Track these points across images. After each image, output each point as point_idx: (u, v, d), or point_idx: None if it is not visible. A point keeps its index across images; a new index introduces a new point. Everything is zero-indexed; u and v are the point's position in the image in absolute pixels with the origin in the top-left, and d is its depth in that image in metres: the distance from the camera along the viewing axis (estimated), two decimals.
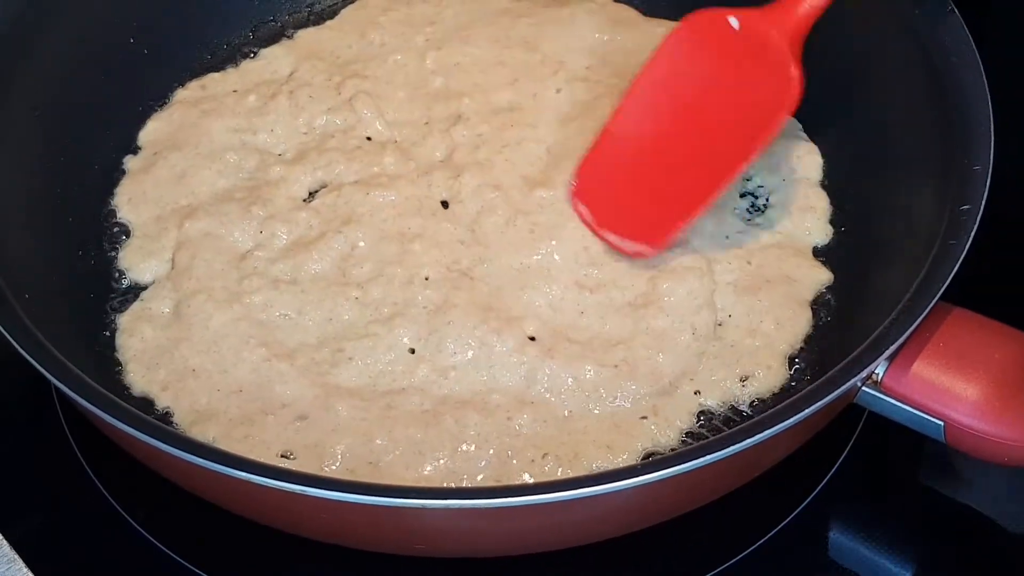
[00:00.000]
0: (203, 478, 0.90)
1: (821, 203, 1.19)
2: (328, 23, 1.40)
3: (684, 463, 0.85)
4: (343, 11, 1.41)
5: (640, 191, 1.14)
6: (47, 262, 1.10)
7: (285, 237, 1.17)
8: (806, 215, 1.18)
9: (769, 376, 1.07)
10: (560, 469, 1.01)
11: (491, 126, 1.24)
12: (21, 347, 0.93)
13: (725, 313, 1.11)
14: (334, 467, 1.01)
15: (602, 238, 1.14)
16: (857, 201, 1.17)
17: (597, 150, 1.16)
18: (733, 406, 1.06)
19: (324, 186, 1.21)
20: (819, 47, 1.19)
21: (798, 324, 1.10)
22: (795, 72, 1.05)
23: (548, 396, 1.05)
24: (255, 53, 1.37)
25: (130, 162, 1.26)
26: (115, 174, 1.25)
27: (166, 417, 1.06)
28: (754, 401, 1.07)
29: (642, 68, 1.15)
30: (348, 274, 1.13)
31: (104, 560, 1.07)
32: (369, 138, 1.26)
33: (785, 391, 1.07)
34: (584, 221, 1.14)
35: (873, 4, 1.11)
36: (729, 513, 1.02)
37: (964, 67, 1.07)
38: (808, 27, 1.06)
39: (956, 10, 1.10)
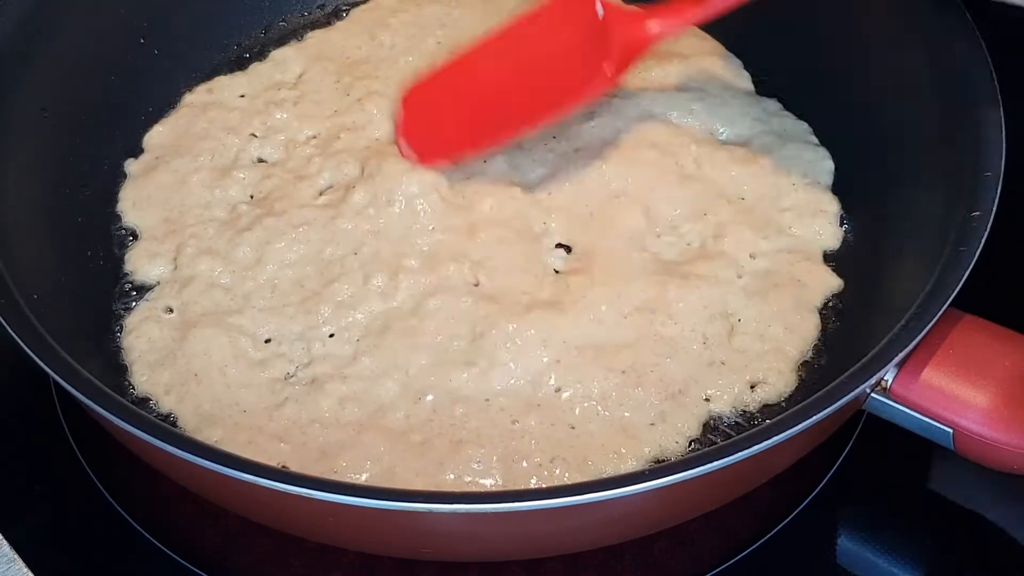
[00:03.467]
0: (213, 482, 0.91)
1: (832, 207, 1.19)
2: (338, 24, 1.41)
3: (691, 469, 0.84)
4: (353, 12, 1.42)
5: (450, 122, 1.20)
6: (55, 263, 1.10)
7: (291, 246, 1.16)
8: (817, 219, 1.17)
9: (779, 382, 1.07)
10: (568, 474, 1.00)
11: None
12: (30, 348, 0.93)
13: (735, 317, 1.10)
14: (343, 467, 1.00)
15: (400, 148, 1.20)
16: (868, 206, 1.16)
17: (435, 77, 1.22)
18: (743, 411, 1.06)
19: (331, 187, 1.21)
20: (831, 51, 1.20)
21: (807, 329, 1.10)
22: (608, 69, 1.10)
23: (556, 400, 1.05)
24: (265, 55, 1.37)
25: (131, 165, 1.26)
26: (123, 176, 1.25)
27: (168, 419, 1.06)
28: (763, 407, 1.06)
29: (517, 21, 1.19)
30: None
31: (104, 560, 1.07)
32: (378, 139, 1.25)
33: (795, 396, 1.07)
34: (403, 154, 1.19)
35: (886, 9, 1.11)
36: (730, 512, 1.02)
37: (976, 72, 1.06)
38: (650, 43, 1.11)
39: (968, 16, 1.10)
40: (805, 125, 1.25)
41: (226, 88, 1.33)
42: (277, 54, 1.37)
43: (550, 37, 1.15)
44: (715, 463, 0.84)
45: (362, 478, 1.00)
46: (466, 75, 1.20)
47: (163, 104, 1.31)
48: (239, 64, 1.36)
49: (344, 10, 1.43)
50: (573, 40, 1.14)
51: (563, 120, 1.20)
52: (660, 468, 0.85)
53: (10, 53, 1.14)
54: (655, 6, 1.12)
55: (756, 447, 0.85)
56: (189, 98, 1.32)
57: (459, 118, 1.19)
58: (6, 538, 1.05)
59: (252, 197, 1.21)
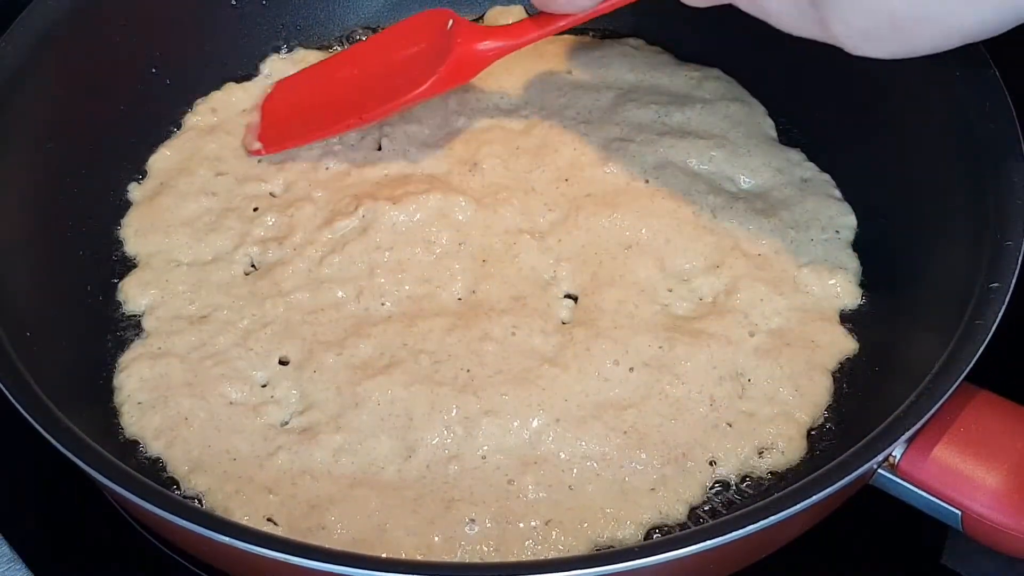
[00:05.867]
0: (193, 541, 0.89)
1: (852, 264, 1.16)
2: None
3: (685, 547, 0.82)
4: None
5: (299, 113, 1.26)
6: (52, 297, 1.09)
7: (294, 281, 1.15)
8: (836, 276, 1.14)
9: (788, 448, 1.04)
10: (563, 538, 0.98)
11: (511, 170, 1.22)
12: (10, 393, 0.91)
13: (745, 378, 1.07)
14: (331, 522, 0.98)
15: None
16: (887, 266, 1.13)
17: (297, 76, 1.31)
18: (749, 477, 1.03)
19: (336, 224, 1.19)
20: (860, 108, 1.17)
21: (819, 393, 1.07)
22: (439, 72, 1.16)
23: (554, 459, 1.02)
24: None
25: (134, 191, 1.24)
26: (128, 204, 1.23)
27: (156, 464, 1.04)
28: (770, 473, 1.03)
29: (383, 31, 1.29)
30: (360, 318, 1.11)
31: (104, 560, 1.07)
32: (387, 174, 1.23)
33: (802, 465, 1.04)
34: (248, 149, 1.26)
35: (915, 69, 1.08)
36: None
37: (1003, 138, 1.03)
38: (488, 59, 1.17)
39: (1000, 78, 1.06)
40: (828, 177, 1.22)
41: (229, 106, 1.31)
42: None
43: (402, 45, 1.23)
44: (709, 542, 0.82)
45: (350, 535, 0.97)
46: (322, 75, 1.28)
47: (170, 128, 1.29)
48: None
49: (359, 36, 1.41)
50: (423, 49, 1.20)
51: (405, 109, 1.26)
52: (652, 545, 0.83)
53: (14, 85, 1.13)
54: (498, 27, 1.19)
55: (754, 526, 0.83)
56: (192, 120, 1.30)
57: (306, 109, 1.25)
58: (6, 538, 1.05)
59: (253, 236, 1.20)
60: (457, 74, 1.17)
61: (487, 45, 1.16)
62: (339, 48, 1.39)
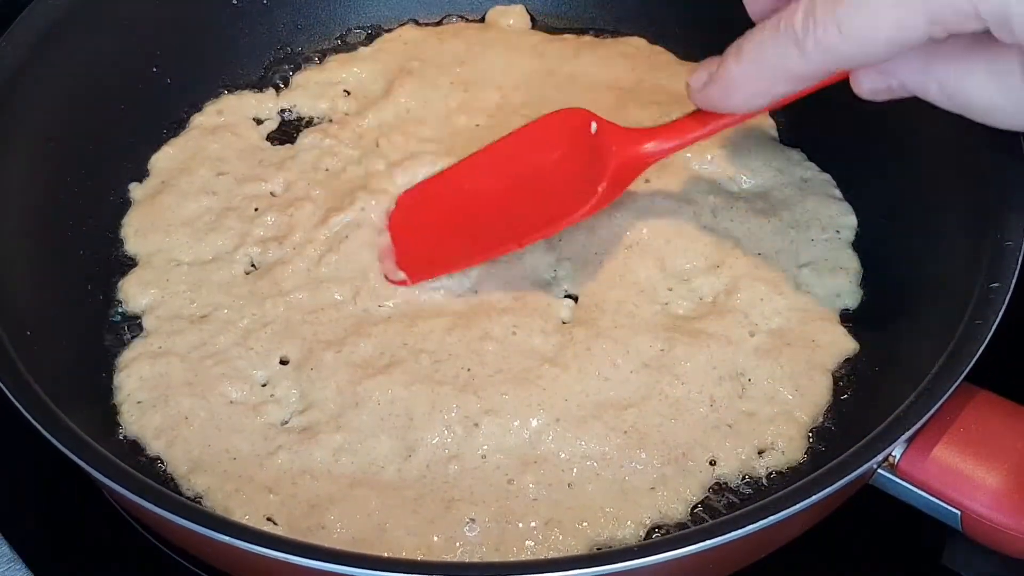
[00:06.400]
0: (194, 540, 0.89)
1: (852, 264, 1.15)
2: (360, 51, 1.39)
3: (685, 547, 0.82)
4: (376, 42, 1.40)
5: (439, 233, 1.15)
6: (53, 296, 1.09)
7: (295, 281, 1.15)
8: (836, 276, 1.14)
9: (788, 448, 1.04)
10: (563, 537, 0.98)
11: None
12: (10, 392, 0.91)
13: (745, 377, 1.07)
14: (331, 521, 0.98)
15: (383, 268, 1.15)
16: (888, 266, 1.13)
17: (424, 187, 1.19)
18: (749, 477, 1.03)
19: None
20: (859, 108, 1.16)
21: (819, 393, 1.07)
22: (602, 188, 1.05)
23: (554, 458, 1.02)
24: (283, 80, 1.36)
25: (135, 191, 1.24)
26: (128, 204, 1.23)
27: (156, 463, 1.04)
28: (771, 473, 1.03)
29: (511, 134, 1.15)
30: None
31: (104, 560, 1.07)
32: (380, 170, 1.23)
33: (802, 465, 1.04)
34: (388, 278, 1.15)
35: None
36: None
37: (1003, 138, 1.02)
38: (647, 163, 1.07)
39: None
40: (828, 177, 1.22)
41: (237, 110, 1.31)
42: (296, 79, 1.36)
43: (543, 152, 1.12)
44: (709, 542, 0.82)
45: (350, 535, 0.97)
46: (453, 187, 1.17)
47: (173, 127, 1.29)
48: (256, 87, 1.35)
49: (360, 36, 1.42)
50: (566, 157, 1.10)
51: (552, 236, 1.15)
52: (649, 545, 0.83)
53: (14, 85, 1.13)
54: (653, 128, 1.07)
55: (753, 526, 0.83)
56: (198, 119, 1.30)
57: (448, 233, 1.15)
58: (6, 538, 1.05)
59: (255, 234, 1.19)
60: (617, 186, 1.07)
61: (647, 149, 1.06)
62: (338, 48, 1.39)
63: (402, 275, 1.14)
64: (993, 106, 0.86)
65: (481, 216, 1.13)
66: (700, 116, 1.02)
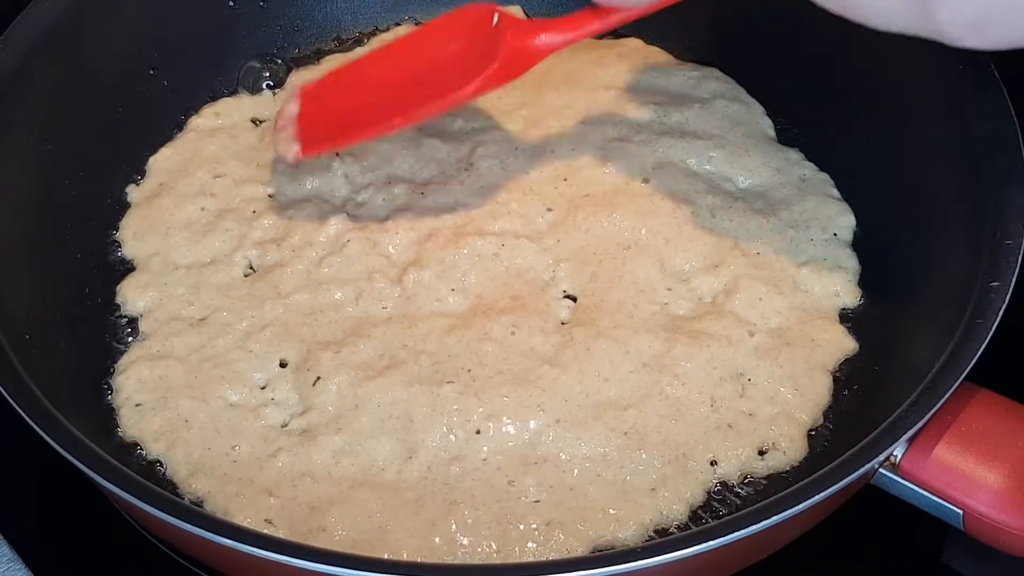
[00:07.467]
0: (192, 543, 0.89)
1: (851, 264, 1.15)
2: (356, 51, 1.39)
3: (687, 548, 0.82)
4: (372, 41, 1.40)
5: (338, 112, 1.18)
6: (50, 300, 1.09)
7: (293, 282, 1.14)
8: (835, 276, 1.14)
9: (789, 449, 1.04)
10: (564, 539, 0.97)
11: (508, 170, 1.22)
12: (9, 394, 0.91)
13: (745, 377, 1.07)
14: (331, 523, 0.98)
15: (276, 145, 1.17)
16: (887, 265, 1.13)
17: (333, 74, 1.22)
18: (750, 477, 1.03)
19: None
20: (859, 107, 1.17)
21: (819, 393, 1.07)
22: (492, 69, 1.09)
23: (554, 460, 1.02)
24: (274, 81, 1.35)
25: (133, 193, 1.24)
26: (126, 206, 1.23)
27: (155, 466, 1.04)
28: (771, 474, 1.03)
29: (418, 28, 1.21)
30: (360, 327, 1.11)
31: (104, 560, 1.07)
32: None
33: (803, 465, 1.03)
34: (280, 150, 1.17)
35: (916, 69, 1.08)
36: None
37: (1002, 138, 1.03)
38: (543, 53, 1.09)
39: (1000, 81, 1.06)
40: (826, 177, 1.22)
41: (234, 112, 1.31)
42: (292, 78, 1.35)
43: (446, 42, 1.15)
44: (711, 543, 0.82)
45: (351, 537, 0.97)
46: (357, 76, 1.20)
47: (170, 129, 1.29)
48: (253, 89, 1.35)
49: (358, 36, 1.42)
50: (466, 45, 1.14)
51: (445, 110, 1.19)
52: (651, 546, 0.83)
53: (12, 85, 1.12)
54: (551, 19, 1.09)
55: (754, 527, 0.83)
56: (196, 122, 1.30)
57: (345, 111, 1.18)
58: (6, 538, 1.05)
59: (253, 241, 1.19)
60: (508, 71, 1.10)
61: (542, 40, 1.08)
62: (334, 49, 1.39)
63: (296, 147, 1.15)
64: (873, 4, 0.82)
65: (378, 98, 1.16)
66: (597, 11, 1.04)
